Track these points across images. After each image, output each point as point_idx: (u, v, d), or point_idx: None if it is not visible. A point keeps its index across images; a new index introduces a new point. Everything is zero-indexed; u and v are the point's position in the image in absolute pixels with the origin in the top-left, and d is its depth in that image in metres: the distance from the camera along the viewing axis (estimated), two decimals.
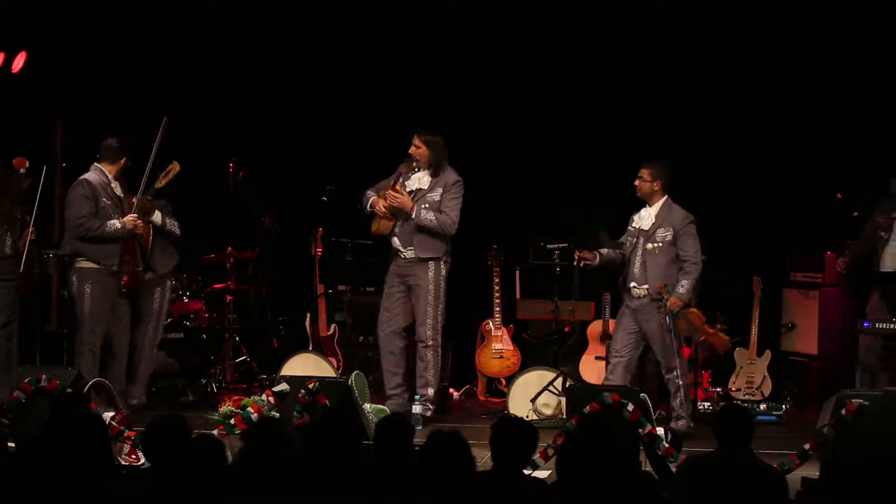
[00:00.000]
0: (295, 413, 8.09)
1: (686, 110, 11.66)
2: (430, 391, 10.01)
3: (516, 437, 5.66)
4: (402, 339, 10.05)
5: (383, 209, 9.92)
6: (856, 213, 10.25)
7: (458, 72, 12.00)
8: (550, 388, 9.90)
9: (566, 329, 11.23)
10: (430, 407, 9.98)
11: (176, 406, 10.33)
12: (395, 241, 9.98)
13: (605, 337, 11.02)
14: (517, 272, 11.35)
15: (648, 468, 7.45)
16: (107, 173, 9.92)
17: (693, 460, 6.17)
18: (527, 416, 9.69)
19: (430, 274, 9.96)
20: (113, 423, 7.91)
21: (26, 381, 8.23)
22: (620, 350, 9.60)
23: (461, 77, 12.00)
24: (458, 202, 9.92)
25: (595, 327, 11.17)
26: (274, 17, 12.12)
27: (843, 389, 8.07)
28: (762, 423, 9.92)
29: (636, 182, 9.63)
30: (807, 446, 7.59)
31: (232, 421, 8.12)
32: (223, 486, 5.29)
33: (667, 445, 7.53)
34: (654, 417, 7.86)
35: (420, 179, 9.98)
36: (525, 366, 10.92)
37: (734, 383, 10.67)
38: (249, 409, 8.23)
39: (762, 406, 10.37)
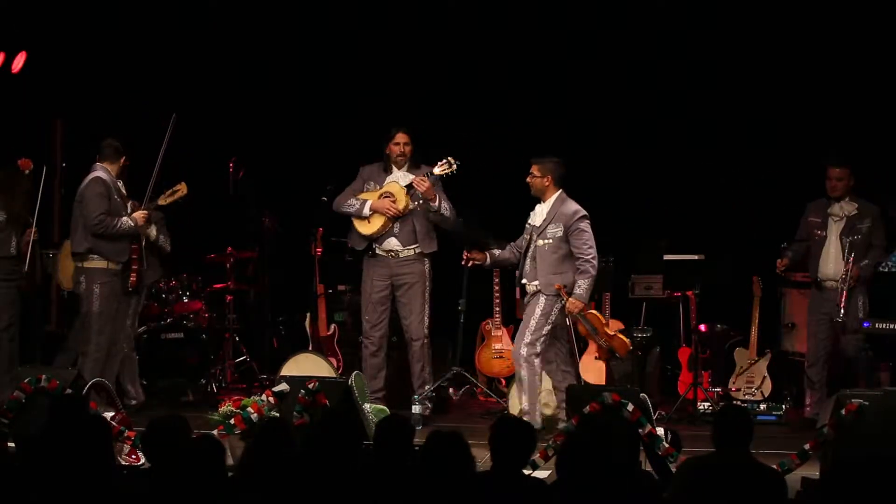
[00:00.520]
0: (295, 413, 8.09)
1: (686, 110, 11.66)
2: (429, 388, 10.05)
3: (515, 437, 5.67)
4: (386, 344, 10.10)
5: (397, 209, 9.88)
6: None
7: (458, 72, 12.00)
8: None
9: None
10: (429, 406, 9.99)
11: (176, 406, 10.33)
12: (393, 241, 9.96)
13: None
14: (517, 272, 11.33)
15: (648, 468, 7.45)
16: (111, 173, 9.92)
17: (692, 461, 6.17)
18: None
19: (427, 270, 10.00)
20: (113, 423, 7.91)
21: (26, 381, 8.23)
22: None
23: (461, 77, 12.00)
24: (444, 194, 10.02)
25: None
26: (274, 17, 12.12)
27: (843, 389, 8.07)
28: (762, 423, 9.95)
29: (528, 179, 9.48)
30: (807, 446, 7.59)
31: (232, 421, 8.12)
32: (223, 487, 5.29)
33: (667, 445, 7.53)
34: (653, 417, 7.86)
35: (405, 177, 9.99)
36: None
37: (734, 383, 10.67)
38: (249, 409, 8.23)
39: (762, 406, 10.37)
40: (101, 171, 9.89)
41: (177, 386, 10.85)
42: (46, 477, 5.42)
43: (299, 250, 11.42)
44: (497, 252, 9.73)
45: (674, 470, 7.01)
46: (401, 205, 9.90)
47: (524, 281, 9.49)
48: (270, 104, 12.21)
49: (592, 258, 9.27)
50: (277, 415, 8.16)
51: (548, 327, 9.23)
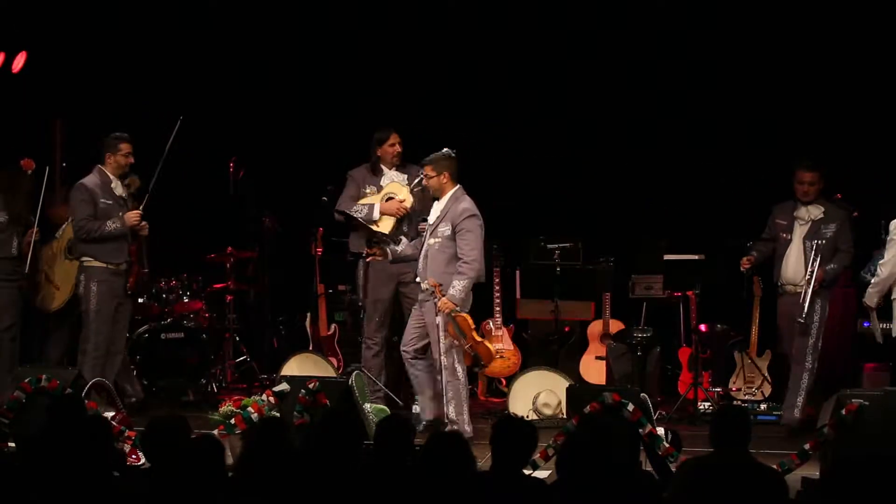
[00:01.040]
0: (295, 413, 8.09)
1: (686, 110, 11.66)
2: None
3: (516, 436, 5.67)
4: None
5: (405, 210, 9.89)
6: (855, 213, 10.24)
7: (458, 72, 12.00)
8: None
9: (566, 329, 11.25)
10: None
11: (176, 406, 10.33)
12: (404, 241, 9.96)
13: (606, 337, 11.04)
14: (517, 272, 11.34)
15: (649, 468, 7.45)
16: (108, 173, 9.91)
17: (691, 461, 6.17)
18: (527, 416, 9.69)
19: None
20: (113, 422, 7.91)
21: (27, 380, 8.24)
22: (407, 342, 9.45)
23: (461, 77, 12.00)
24: None
25: (595, 327, 11.18)
26: (274, 17, 12.12)
27: (843, 389, 8.07)
28: (762, 423, 9.95)
29: (424, 182, 9.40)
30: (807, 446, 7.59)
31: (232, 421, 8.12)
32: (223, 487, 5.29)
33: (667, 445, 7.53)
34: (654, 417, 7.86)
35: (398, 176, 10.08)
36: (525, 366, 10.92)
37: (734, 383, 10.67)
38: (250, 408, 8.23)
39: (762, 406, 10.36)
40: (91, 176, 9.88)
41: (177, 386, 10.86)
42: (47, 476, 5.42)
43: (299, 250, 11.42)
44: (399, 249, 9.69)
45: (674, 470, 7.02)
46: (407, 203, 9.91)
47: (417, 279, 9.41)
48: (271, 104, 12.21)
49: (473, 260, 9.11)
50: (277, 414, 8.17)
51: (445, 342, 9.12)
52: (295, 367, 10.07)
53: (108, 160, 9.88)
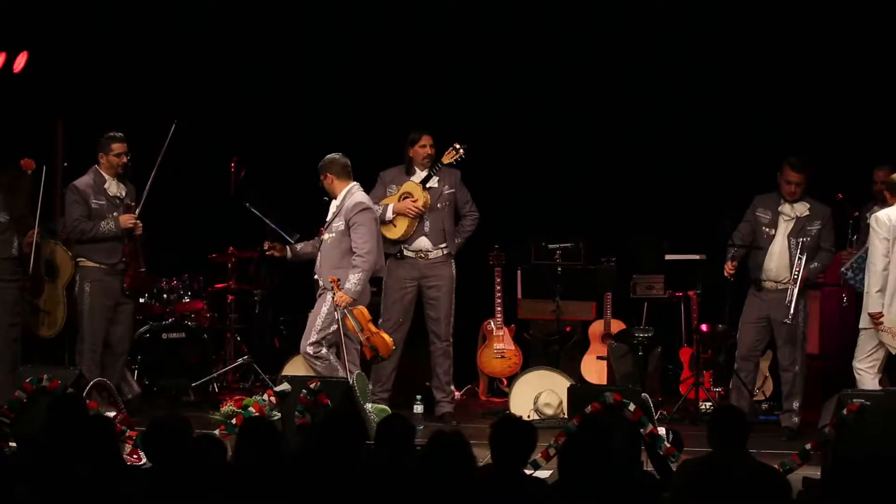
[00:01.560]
0: (296, 413, 8.10)
1: (686, 110, 11.66)
2: (452, 388, 10.19)
3: (516, 436, 5.67)
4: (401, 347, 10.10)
5: (418, 208, 9.88)
6: (856, 213, 10.24)
7: (459, 72, 12.00)
8: None
9: (568, 329, 11.25)
10: (451, 404, 10.15)
11: (177, 406, 10.33)
12: (424, 241, 9.95)
13: (607, 337, 11.04)
14: (518, 272, 11.34)
15: (650, 468, 7.45)
16: (103, 173, 9.90)
17: (691, 462, 6.16)
18: (528, 416, 9.69)
19: (453, 271, 10.06)
20: (115, 422, 7.91)
21: (28, 380, 8.24)
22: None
23: (461, 77, 12.00)
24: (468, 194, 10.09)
25: (597, 327, 11.18)
26: (275, 16, 12.12)
27: (845, 389, 8.06)
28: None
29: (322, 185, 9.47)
30: (808, 446, 7.59)
31: (233, 421, 8.13)
32: (224, 487, 5.29)
33: (668, 445, 7.53)
34: (655, 417, 7.86)
35: (421, 177, 10.02)
36: (527, 366, 10.93)
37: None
38: (251, 408, 8.24)
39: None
40: (85, 177, 9.87)
41: (178, 386, 10.85)
42: (48, 476, 5.42)
43: None
44: (299, 246, 9.73)
45: (675, 470, 7.02)
46: (420, 202, 9.89)
47: (316, 276, 9.41)
48: (272, 104, 12.21)
49: (367, 253, 9.18)
50: (278, 414, 8.18)
51: (335, 326, 9.15)
52: (296, 366, 10.06)
53: (102, 160, 9.88)
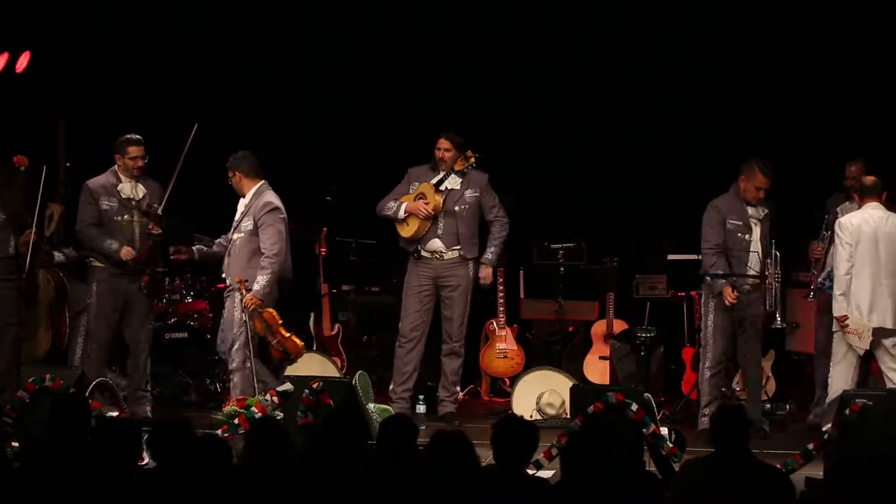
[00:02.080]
0: (299, 413, 8.11)
1: (686, 110, 11.66)
2: (458, 388, 10.19)
3: (517, 436, 5.67)
4: (424, 345, 10.09)
5: (428, 210, 9.88)
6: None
7: (459, 72, 12.00)
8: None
9: (570, 329, 11.25)
10: (455, 404, 10.15)
11: (180, 406, 10.34)
12: (437, 242, 9.95)
13: (609, 336, 11.04)
14: (521, 272, 11.34)
15: (652, 468, 7.46)
16: (119, 174, 9.88)
17: (693, 462, 6.16)
18: (530, 416, 9.69)
19: (470, 273, 10.03)
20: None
21: (30, 380, 8.24)
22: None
23: (462, 77, 12.00)
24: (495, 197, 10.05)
25: (599, 327, 11.18)
26: (276, 16, 12.12)
27: (847, 389, 8.07)
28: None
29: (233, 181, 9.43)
30: (810, 446, 7.59)
31: (236, 421, 8.13)
32: (228, 487, 5.29)
33: (671, 445, 7.53)
34: (657, 417, 7.86)
35: (452, 180, 9.97)
36: (529, 366, 10.93)
37: (738, 383, 10.66)
38: (253, 408, 8.24)
39: (767, 406, 10.36)
40: (103, 175, 9.84)
41: (181, 385, 10.86)
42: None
43: (303, 250, 11.41)
44: (206, 248, 9.64)
45: (678, 470, 7.02)
46: (431, 205, 9.88)
47: (224, 275, 9.37)
48: (273, 104, 12.20)
49: (275, 254, 9.13)
50: (281, 414, 8.18)
51: (243, 337, 9.10)
52: (299, 366, 10.06)
53: (118, 161, 9.85)
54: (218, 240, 9.57)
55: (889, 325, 8.93)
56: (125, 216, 9.80)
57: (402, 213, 9.93)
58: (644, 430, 7.56)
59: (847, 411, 7.62)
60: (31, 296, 9.86)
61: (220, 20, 12.07)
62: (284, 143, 12.20)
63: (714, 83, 11.54)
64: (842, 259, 8.96)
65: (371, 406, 8.58)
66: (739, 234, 9.54)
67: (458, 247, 9.97)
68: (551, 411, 9.91)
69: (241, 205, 9.36)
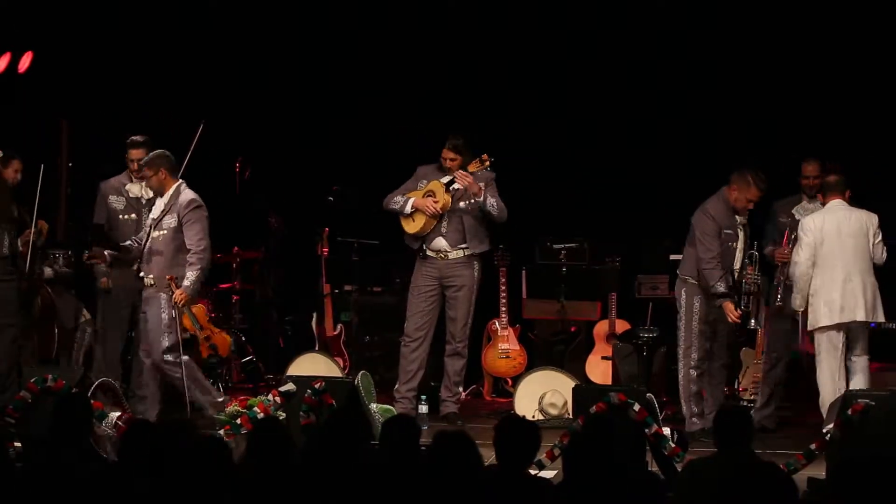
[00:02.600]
0: (301, 413, 8.11)
1: (687, 110, 11.66)
2: (460, 388, 10.20)
3: (520, 436, 5.67)
4: (429, 345, 10.09)
5: (436, 208, 9.87)
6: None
7: (460, 71, 12.00)
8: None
9: (572, 329, 11.25)
10: (457, 404, 10.15)
11: (182, 406, 10.32)
12: (441, 241, 9.94)
13: (612, 337, 11.04)
14: (523, 272, 11.34)
15: (655, 468, 7.45)
16: (130, 173, 9.92)
17: (696, 462, 6.16)
18: (533, 416, 9.69)
19: (476, 273, 10.02)
20: (119, 422, 7.92)
21: (32, 380, 8.24)
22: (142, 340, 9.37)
23: (463, 77, 12.00)
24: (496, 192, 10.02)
25: (601, 327, 11.18)
26: (278, 16, 12.13)
27: (849, 389, 8.06)
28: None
29: (146, 184, 9.35)
30: (813, 446, 7.59)
31: (238, 421, 8.13)
32: (229, 487, 5.29)
33: (673, 445, 7.53)
34: (660, 417, 7.86)
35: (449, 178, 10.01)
36: (531, 366, 10.92)
37: (740, 383, 10.66)
38: (256, 409, 8.24)
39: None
40: (118, 176, 9.89)
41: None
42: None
43: (305, 250, 11.42)
44: (117, 252, 9.57)
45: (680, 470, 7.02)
46: (440, 203, 9.88)
47: (142, 274, 9.31)
48: (276, 104, 12.21)
49: (203, 250, 9.13)
50: (283, 415, 8.18)
51: (173, 336, 9.07)
52: (301, 367, 10.07)
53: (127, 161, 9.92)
54: (126, 243, 9.49)
55: (860, 319, 9.05)
56: (132, 215, 9.84)
57: (408, 209, 9.93)
58: (646, 430, 7.56)
59: (849, 411, 7.61)
60: (32, 294, 9.86)
61: (223, 20, 12.08)
62: (286, 143, 12.22)
63: (714, 83, 11.54)
64: (802, 258, 9.09)
65: (373, 406, 8.57)
66: (730, 243, 9.53)
67: (464, 245, 9.96)
68: (553, 411, 9.90)
69: (160, 203, 9.29)
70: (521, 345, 11.17)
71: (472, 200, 9.90)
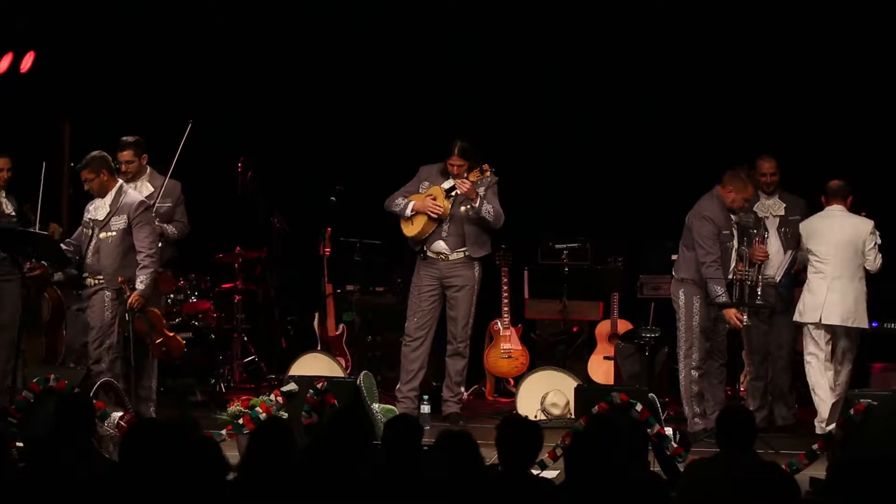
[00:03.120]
0: (303, 413, 8.11)
1: (687, 110, 11.65)
2: (462, 388, 10.20)
3: (522, 436, 5.67)
4: (431, 345, 10.09)
5: (437, 210, 9.87)
6: (864, 213, 10.22)
7: (461, 71, 12.00)
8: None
9: (575, 329, 11.24)
10: (459, 404, 10.16)
11: (184, 406, 10.34)
12: (441, 244, 9.95)
13: (614, 337, 11.03)
14: (526, 272, 11.34)
15: (657, 468, 7.45)
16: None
17: (698, 462, 6.16)
18: (535, 417, 9.69)
19: (476, 274, 10.03)
20: (122, 422, 7.93)
21: (35, 380, 8.24)
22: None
23: (466, 76, 12.00)
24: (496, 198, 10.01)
25: (603, 327, 11.18)
26: (280, 17, 12.13)
27: (852, 389, 8.06)
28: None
29: (85, 187, 9.28)
30: (815, 446, 7.59)
31: (240, 421, 8.13)
32: (225, 489, 5.28)
33: (675, 445, 7.53)
34: (662, 417, 7.86)
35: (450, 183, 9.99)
36: (533, 366, 10.93)
37: (742, 383, 10.65)
38: (258, 408, 8.24)
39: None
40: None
41: (185, 386, 10.86)
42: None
43: (308, 250, 11.42)
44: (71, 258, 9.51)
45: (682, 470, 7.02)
46: (439, 208, 9.89)
47: (85, 274, 9.28)
48: (279, 104, 12.22)
49: (154, 252, 9.14)
50: (285, 414, 8.18)
51: (133, 336, 9.05)
52: (303, 366, 10.08)
53: None
54: (63, 247, 9.44)
55: (836, 322, 9.24)
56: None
57: (408, 212, 9.93)
58: (648, 431, 7.56)
59: (851, 411, 7.61)
60: (38, 291, 9.87)
61: (225, 20, 12.08)
62: (288, 143, 12.23)
63: (714, 83, 11.53)
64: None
65: (375, 406, 8.58)
66: (728, 244, 9.57)
67: (464, 248, 9.97)
68: (556, 411, 9.90)
69: (103, 205, 9.24)
70: (523, 345, 11.17)
71: (471, 206, 9.90)
